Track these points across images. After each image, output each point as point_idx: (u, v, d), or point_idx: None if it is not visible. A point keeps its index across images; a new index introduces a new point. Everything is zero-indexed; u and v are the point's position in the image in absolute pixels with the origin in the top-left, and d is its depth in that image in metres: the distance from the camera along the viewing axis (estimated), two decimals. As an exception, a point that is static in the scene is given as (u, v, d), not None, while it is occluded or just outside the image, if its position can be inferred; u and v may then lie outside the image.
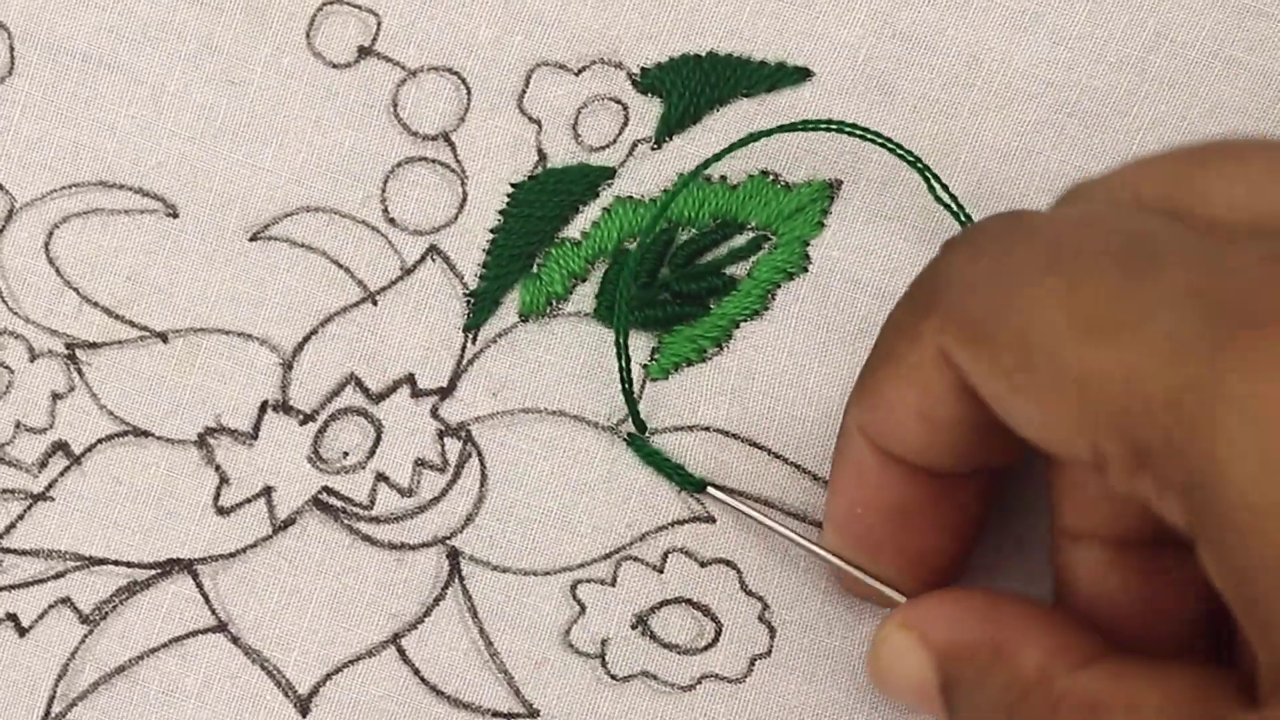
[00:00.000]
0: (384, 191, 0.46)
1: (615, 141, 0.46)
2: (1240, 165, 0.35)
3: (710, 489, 0.45)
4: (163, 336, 0.46)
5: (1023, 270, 0.34)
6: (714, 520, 0.45)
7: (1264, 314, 0.31)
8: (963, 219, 0.44)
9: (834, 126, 0.44)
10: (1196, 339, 0.31)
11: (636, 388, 0.45)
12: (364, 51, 0.46)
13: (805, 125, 0.44)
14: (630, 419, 0.45)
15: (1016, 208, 0.43)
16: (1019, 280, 0.34)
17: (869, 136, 0.44)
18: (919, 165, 0.44)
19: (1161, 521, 0.35)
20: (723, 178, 0.46)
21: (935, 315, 0.36)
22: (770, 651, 0.45)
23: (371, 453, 0.46)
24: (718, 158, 0.44)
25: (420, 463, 0.46)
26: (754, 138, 0.44)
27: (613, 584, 0.45)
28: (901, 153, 0.44)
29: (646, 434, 0.45)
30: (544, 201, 0.46)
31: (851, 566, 0.42)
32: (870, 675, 0.41)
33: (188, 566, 0.45)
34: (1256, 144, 0.36)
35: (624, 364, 0.45)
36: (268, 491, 0.46)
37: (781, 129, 0.44)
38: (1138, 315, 0.32)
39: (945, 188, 0.44)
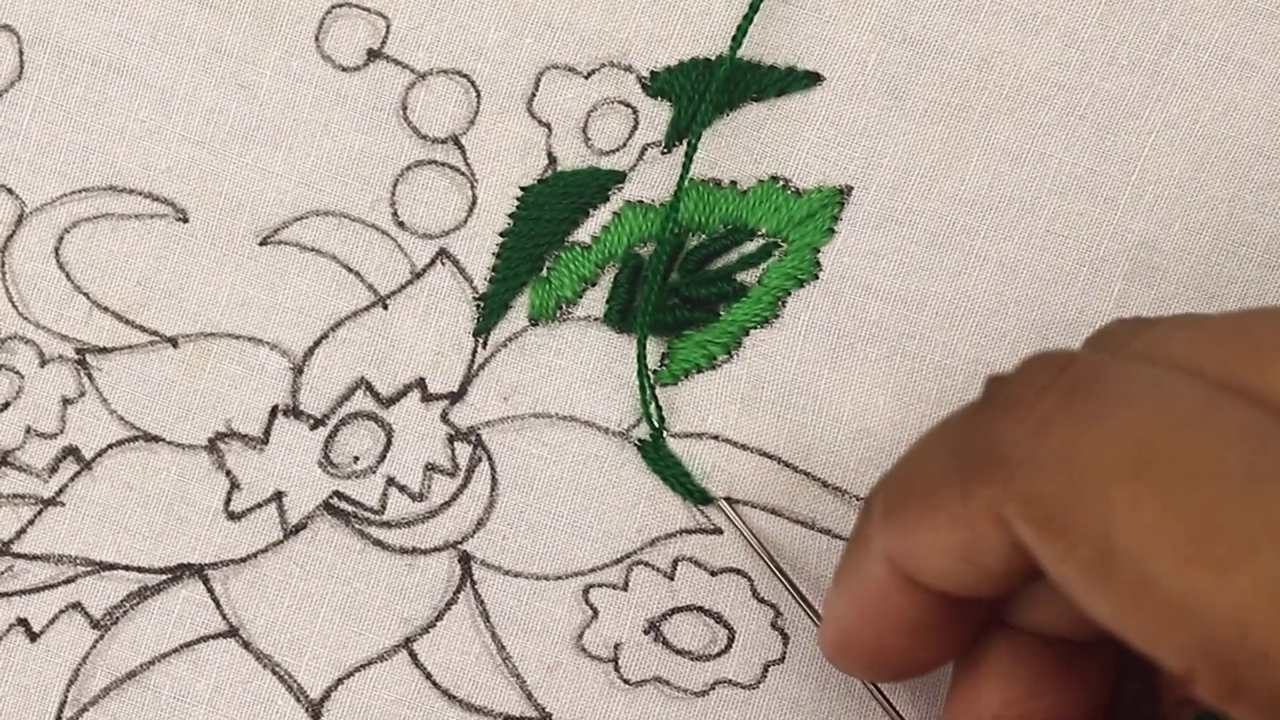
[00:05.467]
0: (393, 195, 0.46)
1: (625, 145, 0.46)
2: None
3: (722, 503, 0.45)
4: (173, 341, 0.46)
5: (1104, 462, 0.31)
6: (721, 532, 0.45)
7: None
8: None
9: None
10: None
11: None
12: (373, 54, 0.46)
13: None
14: (646, 423, 0.45)
15: (1062, 344, 0.40)
16: (1100, 474, 0.31)
17: None
18: None
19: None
20: (733, 183, 0.46)
21: (995, 484, 0.33)
22: (784, 658, 0.45)
23: (382, 457, 0.46)
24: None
25: (431, 467, 0.46)
26: None
27: (624, 589, 0.45)
28: None
29: (663, 435, 0.45)
30: (554, 205, 0.46)
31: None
32: None
33: (199, 571, 0.45)
34: None
35: (643, 369, 0.45)
36: (279, 496, 0.46)
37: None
38: (1246, 546, 0.29)
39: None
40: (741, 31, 0.45)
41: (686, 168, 0.45)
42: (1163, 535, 0.30)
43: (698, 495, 0.45)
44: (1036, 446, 0.32)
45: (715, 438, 0.45)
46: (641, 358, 0.45)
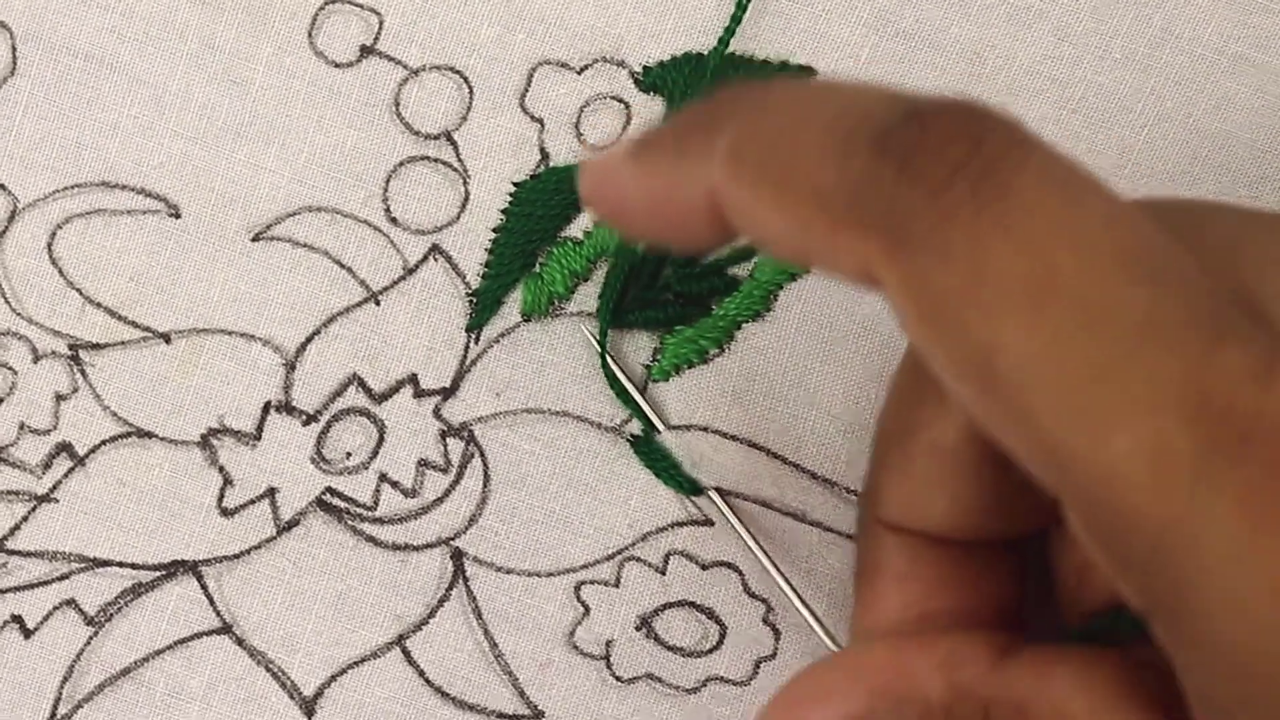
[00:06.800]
0: (386, 191, 0.46)
1: (618, 140, 0.46)
2: None
3: (712, 494, 0.45)
4: (166, 337, 0.46)
5: (1004, 280, 0.29)
6: (712, 524, 0.45)
7: (1255, 434, 0.28)
8: None
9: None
10: (1180, 455, 0.28)
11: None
12: (366, 50, 0.46)
13: None
14: (636, 420, 0.45)
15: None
16: (998, 291, 0.29)
17: None
18: None
19: (988, 527, 0.35)
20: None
21: (878, 245, 0.30)
22: (775, 654, 0.45)
23: (374, 453, 0.46)
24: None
25: (423, 463, 0.45)
26: None
27: (616, 585, 0.45)
28: None
29: (660, 432, 0.45)
30: (546, 200, 0.46)
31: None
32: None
33: (192, 568, 0.45)
34: None
35: (606, 364, 0.45)
36: (271, 492, 0.46)
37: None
38: (1125, 407, 0.28)
39: None
40: (736, 20, 0.45)
41: None
42: (1046, 376, 0.29)
43: (688, 486, 0.45)
44: (938, 236, 0.29)
45: (706, 429, 0.45)
46: (602, 352, 0.45)
